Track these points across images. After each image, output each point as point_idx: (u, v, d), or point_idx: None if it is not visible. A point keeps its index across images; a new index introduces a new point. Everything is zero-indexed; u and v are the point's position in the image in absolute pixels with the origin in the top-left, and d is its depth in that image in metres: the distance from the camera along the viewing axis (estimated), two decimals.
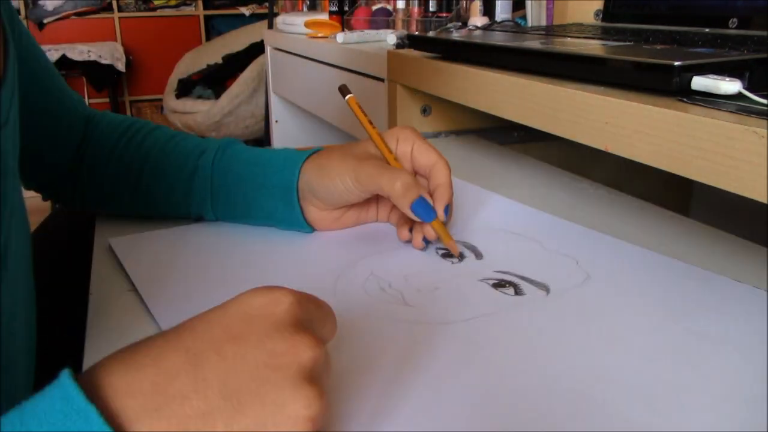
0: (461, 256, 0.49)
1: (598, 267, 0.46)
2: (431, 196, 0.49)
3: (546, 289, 0.44)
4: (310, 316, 0.29)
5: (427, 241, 0.50)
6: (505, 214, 0.57)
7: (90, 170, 0.56)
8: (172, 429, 0.24)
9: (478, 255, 0.49)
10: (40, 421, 0.23)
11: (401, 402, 0.32)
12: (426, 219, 0.48)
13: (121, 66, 3.30)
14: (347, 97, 0.53)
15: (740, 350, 0.36)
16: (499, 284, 0.44)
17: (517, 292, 0.43)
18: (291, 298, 0.28)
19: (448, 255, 0.49)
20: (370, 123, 0.52)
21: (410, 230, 0.51)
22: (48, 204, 0.62)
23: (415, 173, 0.52)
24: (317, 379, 0.26)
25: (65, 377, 0.24)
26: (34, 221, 0.74)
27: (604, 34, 0.75)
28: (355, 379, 0.34)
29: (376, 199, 0.55)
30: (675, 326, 0.39)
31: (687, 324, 0.39)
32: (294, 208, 0.52)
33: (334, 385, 0.33)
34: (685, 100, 0.47)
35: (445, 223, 0.49)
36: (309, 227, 0.53)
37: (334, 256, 0.49)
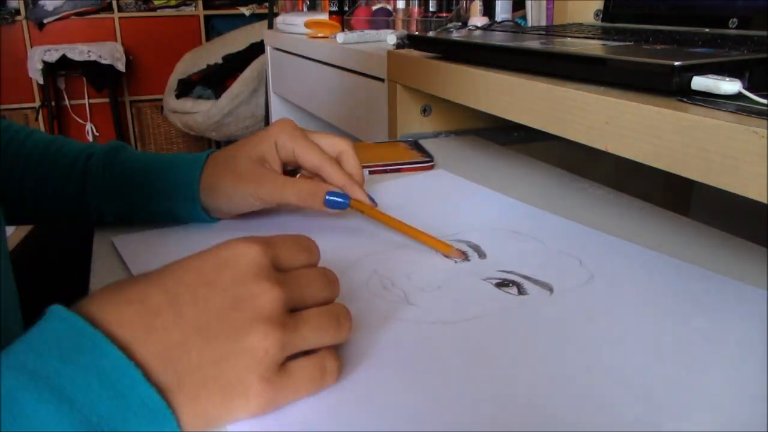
0: (464, 255, 0.49)
1: (601, 267, 0.46)
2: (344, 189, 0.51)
3: (549, 288, 0.43)
4: (278, 257, 0.33)
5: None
6: (509, 214, 0.57)
7: None
8: (156, 355, 0.28)
9: (482, 254, 0.49)
10: (52, 349, 0.26)
11: (403, 400, 0.32)
12: (344, 207, 0.50)
13: (121, 66, 3.30)
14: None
15: (744, 351, 0.36)
16: (503, 284, 0.44)
17: (521, 291, 0.43)
18: (255, 250, 0.32)
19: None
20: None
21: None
22: None
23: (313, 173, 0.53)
24: (276, 318, 0.30)
25: (62, 312, 0.27)
26: None
27: (604, 34, 0.75)
28: (356, 377, 0.34)
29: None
30: (679, 327, 0.39)
31: (691, 325, 0.39)
32: (197, 210, 0.52)
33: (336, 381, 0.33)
34: (685, 100, 0.47)
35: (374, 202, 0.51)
36: (211, 219, 0.54)
37: (337, 255, 0.49)
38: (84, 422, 0.25)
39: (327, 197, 0.49)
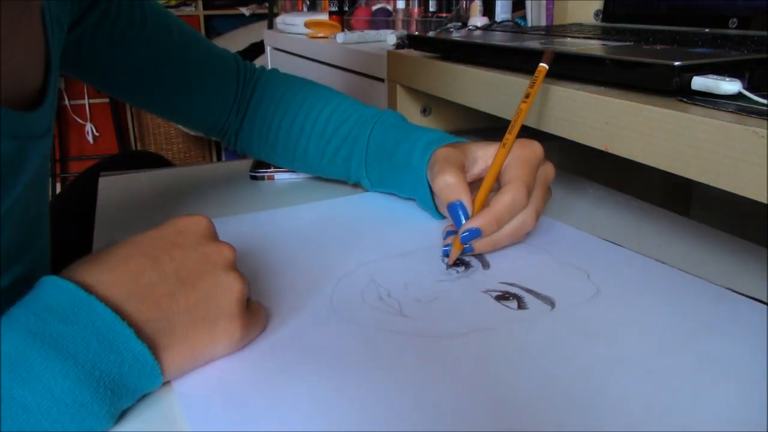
0: (468, 265, 0.47)
1: (609, 281, 0.45)
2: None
3: (551, 303, 0.42)
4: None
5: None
6: None
7: (254, 121, 0.65)
8: (148, 307, 0.32)
9: (485, 264, 0.48)
10: (52, 313, 0.29)
11: (383, 418, 0.31)
12: (455, 222, 0.48)
13: None
14: (540, 65, 0.53)
15: (752, 375, 0.34)
16: (503, 297, 0.43)
17: (521, 305, 0.42)
18: (204, 219, 0.38)
19: (454, 264, 0.48)
20: (526, 103, 0.52)
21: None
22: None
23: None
24: (236, 266, 0.37)
25: (57, 280, 0.31)
26: None
27: (604, 34, 0.75)
28: (337, 389, 0.33)
29: None
30: (685, 348, 0.37)
31: (699, 346, 0.37)
32: (427, 191, 0.55)
33: (316, 392, 0.33)
34: (685, 100, 0.47)
35: (465, 243, 0.47)
36: (438, 214, 0.56)
37: (336, 261, 0.48)
38: (88, 377, 0.29)
39: (453, 203, 0.48)
